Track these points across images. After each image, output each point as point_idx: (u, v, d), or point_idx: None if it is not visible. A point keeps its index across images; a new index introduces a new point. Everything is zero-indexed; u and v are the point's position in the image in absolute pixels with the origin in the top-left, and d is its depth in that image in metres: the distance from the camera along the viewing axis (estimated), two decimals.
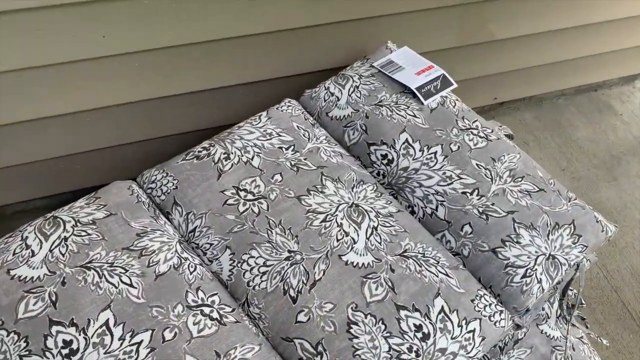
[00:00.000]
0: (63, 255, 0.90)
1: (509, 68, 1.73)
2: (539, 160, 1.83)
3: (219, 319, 0.87)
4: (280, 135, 1.12)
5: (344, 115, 1.20)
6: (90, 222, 0.95)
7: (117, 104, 1.28)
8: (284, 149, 1.09)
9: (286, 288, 0.91)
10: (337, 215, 1.00)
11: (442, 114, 1.18)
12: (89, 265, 0.89)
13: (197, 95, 1.35)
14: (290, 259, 0.94)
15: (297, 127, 1.15)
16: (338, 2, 1.29)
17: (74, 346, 0.80)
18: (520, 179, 1.10)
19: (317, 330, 0.88)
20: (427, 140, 1.14)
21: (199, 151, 1.08)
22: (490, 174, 1.10)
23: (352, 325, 0.88)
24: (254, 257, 0.94)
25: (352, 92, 1.22)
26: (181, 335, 0.83)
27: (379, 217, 1.02)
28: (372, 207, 1.03)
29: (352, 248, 0.96)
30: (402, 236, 1.00)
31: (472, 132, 1.16)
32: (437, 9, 1.43)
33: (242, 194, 1.02)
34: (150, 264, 0.91)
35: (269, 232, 0.97)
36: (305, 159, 1.08)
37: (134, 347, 0.81)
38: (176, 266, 0.92)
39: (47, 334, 0.80)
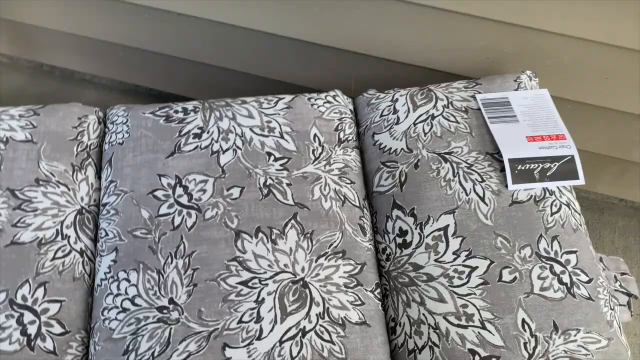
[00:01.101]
0: None
1: None
2: None
3: (28, 341, 0.65)
4: (282, 137, 0.79)
5: (391, 149, 0.82)
6: (4, 139, 0.77)
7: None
8: (271, 158, 0.77)
9: (129, 348, 0.65)
10: (267, 284, 0.68)
11: (525, 217, 0.74)
12: None
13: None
14: (163, 312, 0.66)
15: (315, 136, 0.81)
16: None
17: None
18: None
19: None
20: (473, 244, 0.72)
21: (176, 110, 0.82)
22: (534, 348, 0.66)
23: None
24: (129, 281, 0.69)
25: (420, 121, 0.82)
26: None
27: (324, 318, 0.67)
28: (325, 299, 0.69)
29: (248, 344, 0.65)
30: None
31: (552, 268, 0.70)
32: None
33: (178, 191, 0.74)
34: (19, 225, 0.71)
35: (169, 259, 0.69)
36: (288, 185, 0.75)
37: None
38: (43, 242, 0.70)
39: None
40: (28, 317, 0.65)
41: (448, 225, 0.74)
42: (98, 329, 0.67)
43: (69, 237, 0.72)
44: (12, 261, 0.68)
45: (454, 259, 0.72)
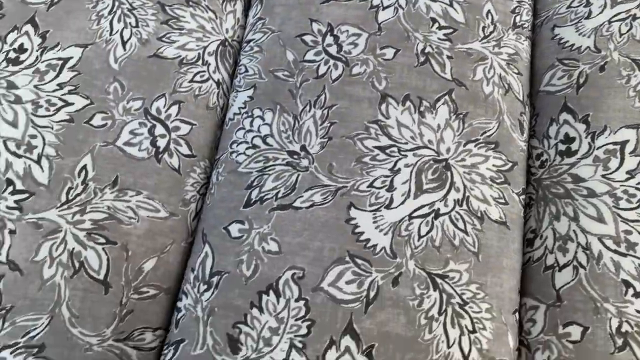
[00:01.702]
0: None
1: None
2: None
3: (156, 152, 0.63)
4: (451, 5, 0.70)
5: (574, 45, 0.70)
6: None
7: None
8: (435, 25, 0.68)
9: (253, 183, 0.61)
10: (406, 155, 0.62)
11: None
12: None
13: None
14: (293, 157, 0.62)
15: (489, 12, 0.70)
16: None
17: None
18: None
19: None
20: None
21: None
22: None
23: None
24: (263, 120, 0.65)
25: (617, 20, 0.69)
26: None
27: (462, 206, 0.60)
28: (467, 187, 0.61)
29: (376, 210, 0.59)
30: (464, 256, 0.58)
31: None
32: None
33: (328, 40, 0.68)
34: (164, 39, 0.68)
35: (307, 108, 0.64)
36: (449, 57, 0.67)
37: None
38: (185, 62, 0.67)
39: None
40: (159, 130, 0.64)
41: (628, 141, 0.62)
42: (224, 161, 0.64)
43: (209, 64, 0.69)
44: (152, 72, 0.66)
45: (626, 179, 0.61)
